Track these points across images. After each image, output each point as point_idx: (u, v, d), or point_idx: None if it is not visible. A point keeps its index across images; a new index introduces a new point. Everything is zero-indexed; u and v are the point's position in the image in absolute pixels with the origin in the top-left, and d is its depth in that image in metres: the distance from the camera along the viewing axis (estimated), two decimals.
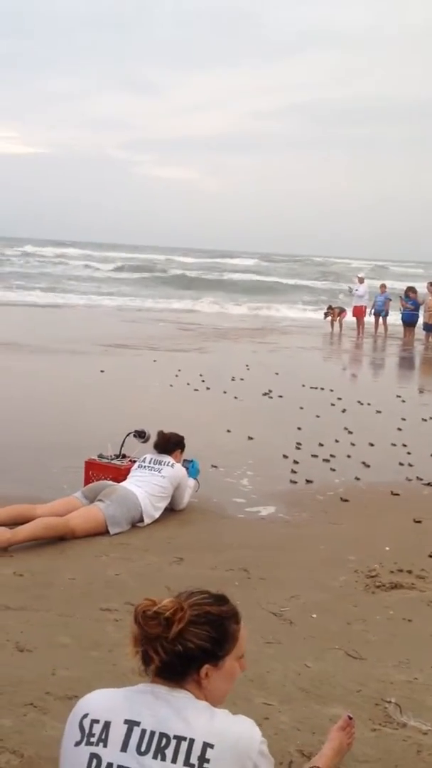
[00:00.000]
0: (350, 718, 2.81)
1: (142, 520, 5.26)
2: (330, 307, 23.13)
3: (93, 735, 1.75)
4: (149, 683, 1.82)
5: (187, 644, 1.78)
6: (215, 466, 6.76)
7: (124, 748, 1.71)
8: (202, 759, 1.66)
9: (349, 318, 22.03)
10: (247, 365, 13.25)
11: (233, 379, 11.71)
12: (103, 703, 1.81)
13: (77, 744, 1.76)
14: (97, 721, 1.76)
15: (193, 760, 1.66)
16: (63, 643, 3.57)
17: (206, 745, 1.67)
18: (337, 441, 8.12)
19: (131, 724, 1.73)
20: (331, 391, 11.20)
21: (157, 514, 5.37)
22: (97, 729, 1.75)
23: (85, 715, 1.79)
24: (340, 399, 10.59)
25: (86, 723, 1.78)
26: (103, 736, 1.74)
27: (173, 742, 1.69)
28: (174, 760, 1.67)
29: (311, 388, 11.43)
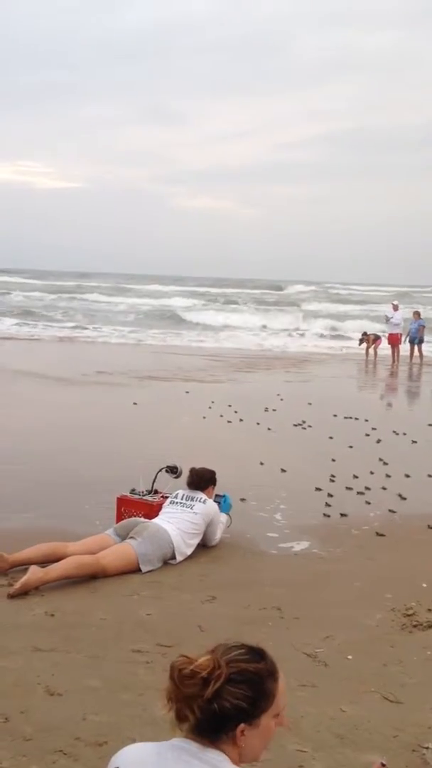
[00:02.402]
0: (383, 766, 2.72)
1: (174, 557, 5.22)
2: (365, 334, 23.02)
3: None
4: (183, 738, 1.77)
5: (223, 704, 1.72)
6: (243, 499, 6.68)
7: None
8: None
9: (384, 345, 21.92)
10: (279, 395, 13.21)
11: (266, 410, 11.67)
12: (134, 756, 1.79)
13: None
14: None
15: None
16: (93, 686, 3.54)
17: None
18: (372, 473, 8.02)
19: None
20: (366, 420, 11.10)
21: (189, 551, 5.32)
22: None
23: None
24: (374, 429, 10.49)
25: None
26: None
27: None
28: None
29: (345, 418, 11.34)
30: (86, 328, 28.91)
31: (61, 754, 2.97)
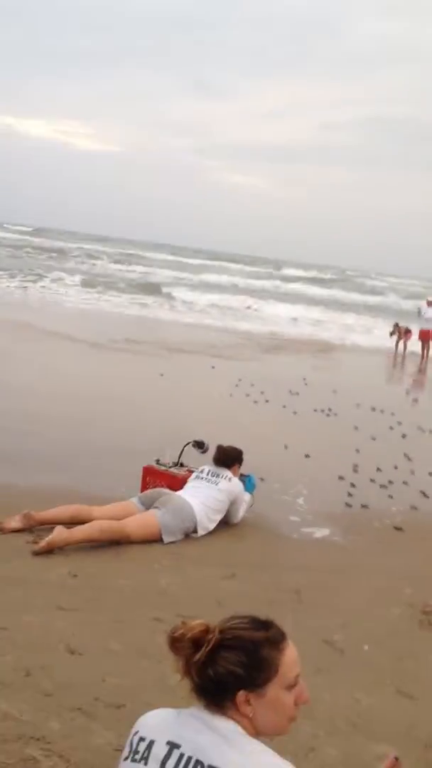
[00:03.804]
0: (396, 760, 2.75)
1: (196, 531, 5.26)
2: (396, 325, 22.73)
3: (138, 752, 1.78)
4: (198, 707, 1.81)
5: (217, 669, 1.76)
6: (263, 479, 6.63)
7: None
8: None
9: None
10: (305, 380, 13.18)
11: (291, 393, 11.66)
12: (153, 722, 1.84)
13: (125, 759, 1.81)
14: (143, 739, 1.80)
15: None
16: (113, 649, 3.59)
17: None
18: (396, 467, 8.01)
19: (172, 746, 1.75)
20: (392, 414, 11.06)
21: (211, 527, 5.36)
22: (142, 747, 1.79)
23: (136, 733, 1.84)
24: (400, 423, 10.44)
25: (135, 740, 1.82)
26: (145, 755, 1.77)
27: None
28: None
29: (371, 409, 11.30)
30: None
31: (80, 713, 3.02)
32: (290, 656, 1.84)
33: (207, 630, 1.79)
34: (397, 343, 21.93)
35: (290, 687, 1.83)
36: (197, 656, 1.76)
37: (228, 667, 1.76)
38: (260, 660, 1.79)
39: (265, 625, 1.85)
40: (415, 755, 3.06)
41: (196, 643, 1.77)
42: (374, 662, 3.84)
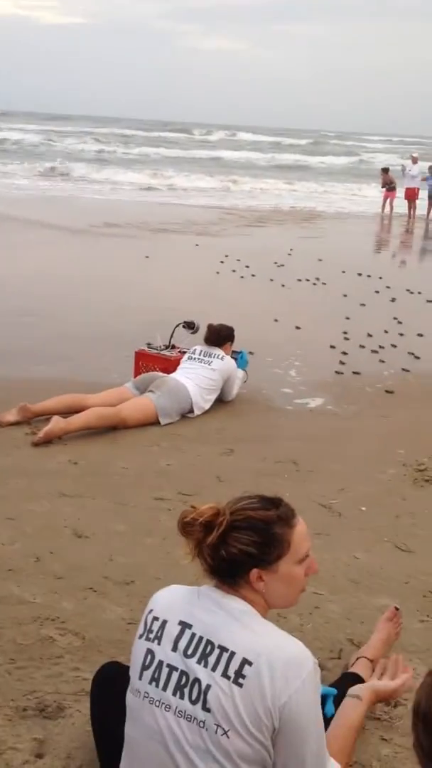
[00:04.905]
0: (397, 609, 2.90)
1: (192, 411, 5.32)
2: (385, 171, 21.95)
3: (152, 631, 1.84)
4: (211, 586, 1.85)
5: (230, 549, 1.78)
6: (252, 353, 6.51)
7: (174, 648, 1.78)
8: (239, 674, 1.69)
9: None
10: (291, 250, 13.01)
11: (277, 265, 11.54)
12: (166, 601, 1.89)
13: (140, 637, 1.87)
14: (156, 619, 1.85)
15: (230, 672, 1.70)
16: (118, 530, 3.70)
17: (245, 661, 1.70)
18: (386, 331, 8.03)
19: (184, 626, 1.80)
20: (380, 278, 11.00)
21: (207, 406, 5.42)
22: (155, 626, 1.84)
23: (150, 611, 1.89)
24: (388, 287, 10.41)
25: (149, 618, 1.87)
26: (159, 634, 1.82)
27: (216, 651, 1.73)
28: (214, 668, 1.72)
29: (358, 275, 11.22)
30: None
31: (91, 591, 3.15)
32: (301, 531, 1.87)
33: (218, 513, 1.80)
34: (383, 206, 21.52)
35: (301, 561, 1.86)
36: (209, 539, 1.78)
37: (240, 547, 1.78)
38: (272, 538, 1.81)
39: (275, 502, 1.87)
40: (415, 605, 3.21)
41: (208, 526, 1.79)
42: (372, 522, 3.98)
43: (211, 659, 1.73)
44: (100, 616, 2.98)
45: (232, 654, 1.71)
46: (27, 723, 2.39)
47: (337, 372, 6.70)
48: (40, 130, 46.80)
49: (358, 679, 2.40)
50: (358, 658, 2.60)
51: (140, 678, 1.81)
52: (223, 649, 1.73)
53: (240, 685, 1.68)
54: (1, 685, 2.55)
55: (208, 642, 1.75)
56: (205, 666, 1.73)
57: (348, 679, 2.41)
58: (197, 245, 13.38)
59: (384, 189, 21.73)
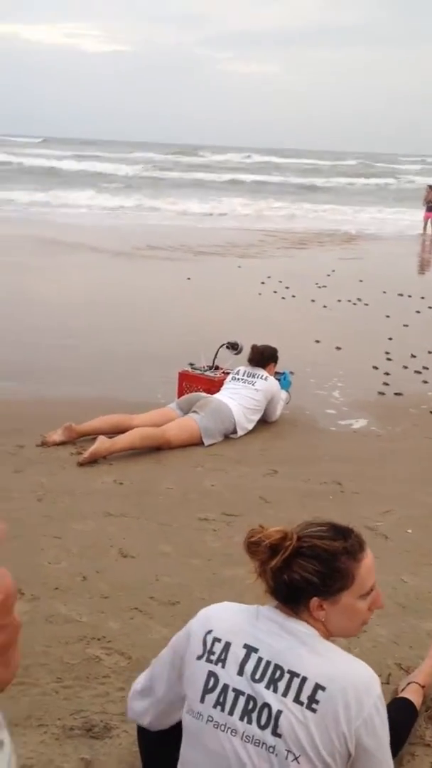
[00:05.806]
0: None
1: (235, 432, 5.33)
2: (430, 188, 21.99)
3: (213, 653, 1.80)
4: (271, 607, 1.83)
5: (292, 575, 1.76)
6: (292, 372, 6.49)
7: (240, 672, 1.76)
8: (312, 699, 1.67)
9: None
10: (332, 271, 12.99)
11: (318, 286, 11.53)
12: (227, 623, 1.85)
13: (199, 658, 1.82)
14: (218, 640, 1.81)
15: (303, 698, 1.68)
16: (164, 551, 3.70)
17: (318, 686, 1.68)
18: (430, 352, 7.96)
19: (250, 650, 1.77)
20: (422, 299, 10.91)
21: (250, 426, 5.42)
22: (217, 648, 1.80)
23: (209, 632, 1.84)
24: (430, 308, 10.32)
25: (209, 639, 1.82)
26: (222, 657, 1.79)
27: (286, 676, 1.71)
28: (285, 694, 1.70)
29: (399, 295, 11.15)
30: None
31: (137, 612, 3.15)
32: (367, 566, 1.82)
33: (285, 537, 1.77)
34: (425, 224, 21.42)
35: (365, 595, 1.83)
36: (273, 562, 1.76)
37: (303, 575, 1.76)
38: (336, 570, 1.77)
39: (344, 533, 1.82)
40: None
41: (274, 548, 1.76)
42: (418, 544, 3.92)
43: (281, 684, 1.70)
44: (146, 636, 2.98)
45: (304, 679, 1.69)
46: (74, 742, 2.40)
47: (380, 393, 6.66)
48: (83, 156, 47.69)
49: (409, 705, 2.36)
50: (409, 683, 2.56)
51: (202, 701, 1.78)
52: (293, 674, 1.70)
53: (314, 711, 1.66)
54: (48, 704, 2.57)
55: (277, 667, 1.73)
56: (275, 691, 1.70)
57: (398, 704, 2.37)
58: (239, 267, 13.42)
59: (425, 208, 21.65)
